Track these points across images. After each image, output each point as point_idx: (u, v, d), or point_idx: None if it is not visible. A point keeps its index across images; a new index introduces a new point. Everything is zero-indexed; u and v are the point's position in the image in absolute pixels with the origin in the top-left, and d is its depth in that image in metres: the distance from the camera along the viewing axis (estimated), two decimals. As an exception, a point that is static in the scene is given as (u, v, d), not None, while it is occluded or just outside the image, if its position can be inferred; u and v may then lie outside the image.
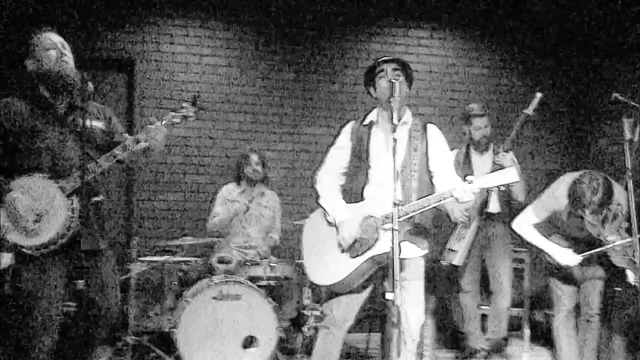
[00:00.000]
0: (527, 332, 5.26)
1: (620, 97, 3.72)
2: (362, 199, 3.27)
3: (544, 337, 5.57)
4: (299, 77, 6.10)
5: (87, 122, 3.07)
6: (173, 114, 3.17)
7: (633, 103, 3.65)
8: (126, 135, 3.28)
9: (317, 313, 4.63)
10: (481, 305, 5.05)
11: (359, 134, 3.30)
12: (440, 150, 3.28)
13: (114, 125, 3.30)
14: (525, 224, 4.21)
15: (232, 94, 5.95)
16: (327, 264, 3.26)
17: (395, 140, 2.72)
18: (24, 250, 2.96)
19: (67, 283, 3.10)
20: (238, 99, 5.96)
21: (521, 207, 5.07)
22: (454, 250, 4.70)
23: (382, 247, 3.12)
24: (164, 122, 3.14)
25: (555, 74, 6.51)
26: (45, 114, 3.08)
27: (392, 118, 2.75)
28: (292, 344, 4.61)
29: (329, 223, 3.29)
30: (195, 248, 4.92)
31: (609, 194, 3.74)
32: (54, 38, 3.11)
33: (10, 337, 3.72)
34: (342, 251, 3.23)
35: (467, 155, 4.87)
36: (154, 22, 5.81)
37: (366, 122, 3.32)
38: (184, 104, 3.19)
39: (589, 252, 3.99)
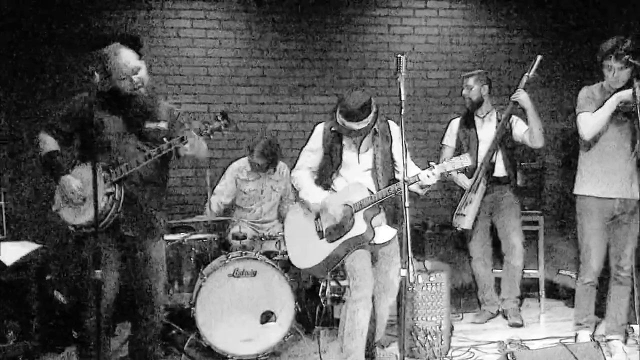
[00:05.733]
0: (542, 294, 5.29)
1: (631, 60, 3.67)
2: (331, 190, 3.70)
3: (561, 296, 5.61)
4: (306, 47, 6.03)
5: (150, 125, 3.43)
6: (207, 124, 3.35)
7: None
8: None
9: (333, 284, 4.69)
10: (494, 269, 5.08)
11: (330, 139, 3.67)
12: (399, 144, 3.55)
13: (176, 125, 3.53)
14: (589, 122, 3.94)
15: (239, 67, 5.91)
16: (307, 249, 3.70)
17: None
18: (69, 227, 3.37)
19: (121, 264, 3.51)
20: (246, 72, 5.93)
21: (530, 169, 5.08)
22: (462, 215, 4.75)
23: (357, 230, 3.54)
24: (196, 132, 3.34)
25: (568, 35, 6.39)
26: (111, 112, 3.38)
27: (400, 94, 2.91)
28: (309, 317, 4.67)
29: (309, 210, 3.69)
30: (210, 225, 4.95)
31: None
32: (130, 61, 3.31)
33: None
34: (321, 237, 3.65)
35: (467, 121, 4.89)
36: (157, -2, 5.75)
37: (334, 128, 3.64)
38: (219, 117, 3.39)
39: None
